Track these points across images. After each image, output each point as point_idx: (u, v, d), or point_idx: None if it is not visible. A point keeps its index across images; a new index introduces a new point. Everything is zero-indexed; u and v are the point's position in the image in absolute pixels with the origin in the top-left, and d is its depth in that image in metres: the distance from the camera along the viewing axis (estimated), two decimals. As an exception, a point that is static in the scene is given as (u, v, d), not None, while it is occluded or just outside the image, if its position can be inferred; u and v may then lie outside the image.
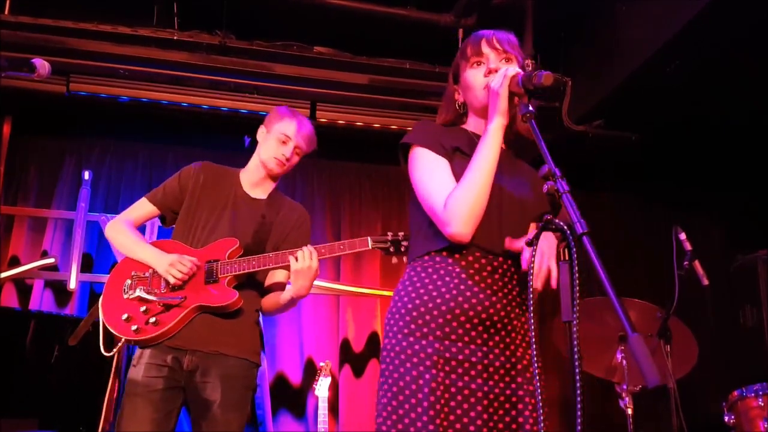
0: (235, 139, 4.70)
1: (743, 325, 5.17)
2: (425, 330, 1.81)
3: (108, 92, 4.23)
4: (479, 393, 1.77)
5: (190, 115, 4.44)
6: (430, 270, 1.87)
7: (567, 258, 1.45)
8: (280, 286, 2.71)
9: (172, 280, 2.50)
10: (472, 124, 2.04)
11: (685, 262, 3.14)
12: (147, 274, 2.57)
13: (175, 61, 4.14)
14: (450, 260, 1.85)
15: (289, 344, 4.64)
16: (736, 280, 5.27)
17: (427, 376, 1.75)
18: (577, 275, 1.43)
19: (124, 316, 2.50)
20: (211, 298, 2.53)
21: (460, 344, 1.79)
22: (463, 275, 1.83)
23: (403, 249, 2.63)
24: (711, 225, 5.44)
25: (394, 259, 2.66)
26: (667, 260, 3.19)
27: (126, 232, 2.66)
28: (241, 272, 2.55)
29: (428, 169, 1.94)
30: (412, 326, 1.82)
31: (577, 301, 1.41)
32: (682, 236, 3.18)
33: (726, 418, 3.30)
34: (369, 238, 2.60)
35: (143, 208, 2.74)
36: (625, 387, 3.25)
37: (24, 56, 3.32)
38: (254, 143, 2.84)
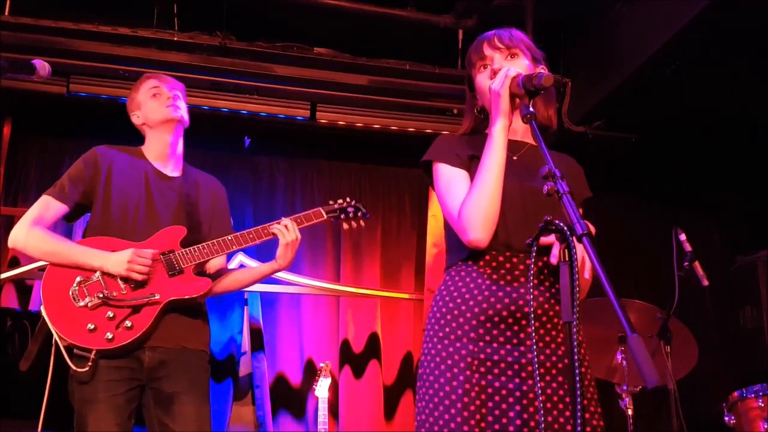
0: (235, 139, 4.71)
1: (743, 325, 5.17)
2: (459, 333, 1.81)
3: (108, 93, 4.22)
4: (517, 393, 1.75)
5: (190, 115, 4.43)
6: (463, 274, 1.87)
7: (567, 259, 1.45)
8: (224, 263, 2.75)
9: (139, 277, 2.38)
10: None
11: (685, 263, 3.14)
12: (96, 278, 2.39)
13: (175, 62, 4.13)
14: (481, 262, 1.85)
15: (289, 345, 4.64)
16: (735, 280, 5.26)
17: (461, 378, 1.75)
18: (577, 276, 1.44)
19: (90, 326, 2.32)
20: (185, 290, 2.44)
21: (495, 345, 1.78)
22: (495, 276, 1.83)
23: (351, 215, 2.78)
24: (711, 226, 5.44)
25: (345, 225, 2.79)
26: (667, 261, 3.19)
27: (50, 238, 2.47)
28: (204, 260, 2.51)
29: (445, 183, 1.94)
30: (447, 329, 1.83)
31: (577, 301, 1.42)
32: (682, 237, 3.18)
33: (726, 419, 3.30)
34: (321, 209, 2.73)
35: (51, 207, 2.54)
36: (625, 387, 3.25)
37: (24, 57, 3.32)
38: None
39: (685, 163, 4.93)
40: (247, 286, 2.75)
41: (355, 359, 4.70)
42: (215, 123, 4.52)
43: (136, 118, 2.75)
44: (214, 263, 2.69)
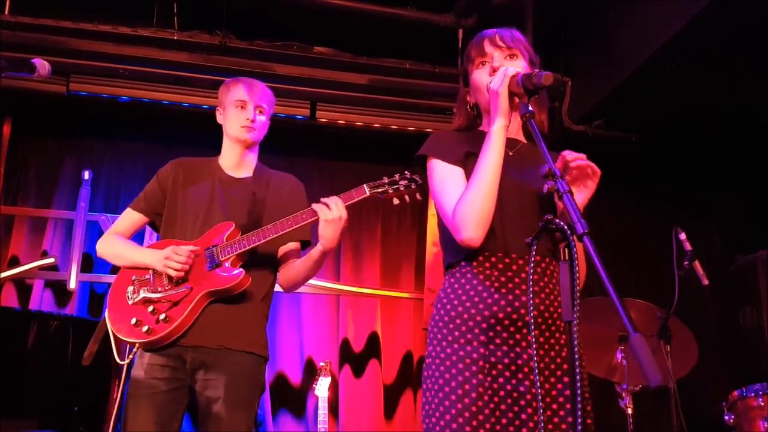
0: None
1: (743, 325, 5.17)
2: (469, 336, 1.80)
3: (108, 92, 4.22)
4: (515, 393, 1.75)
5: (190, 115, 4.44)
6: (469, 276, 1.86)
7: (567, 258, 1.45)
8: (296, 254, 2.62)
9: (173, 273, 2.43)
10: (486, 124, 2.00)
11: (686, 262, 3.14)
12: (148, 276, 2.50)
13: (175, 61, 4.14)
14: (487, 264, 1.84)
15: (289, 344, 4.64)
16: (736, 280, 5.26)
17: (474, 381, 1.75)
18: (577, 275, 1.43)
19: (133, 321, 2.43)
20: (216, 282, 2.44)
21: (505, 348, 1.78)
22: (492, 278, 1.82)
23: (402, 188, 2.43)
24: (711, 225, 5.44)
25: (395, 200, 2.45)
26: (667, 260, 3.18)
27: (115, 243, 2.62)
28: (243, 250, 2.45)
29: (441, 180, 1.93)
30: (456, 333, 1.81)
31: (578, 300, 1.41)
32: (683, 236, 3.18)
33: (726, 418, 3.30)
34: (365, 185, 2.48)
35: (129, 218, 2.69)
36: (625, 387, 3.25)
37: (24, 56, 3.32)
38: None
39: (685, 163, 4.93)
40: (306, 274, 2.58)
41: (355, 358, 4.70)
42: (215, 122, 4.52)
43: (219, 117, 2.78)
44: (285, 250, 2.61)
